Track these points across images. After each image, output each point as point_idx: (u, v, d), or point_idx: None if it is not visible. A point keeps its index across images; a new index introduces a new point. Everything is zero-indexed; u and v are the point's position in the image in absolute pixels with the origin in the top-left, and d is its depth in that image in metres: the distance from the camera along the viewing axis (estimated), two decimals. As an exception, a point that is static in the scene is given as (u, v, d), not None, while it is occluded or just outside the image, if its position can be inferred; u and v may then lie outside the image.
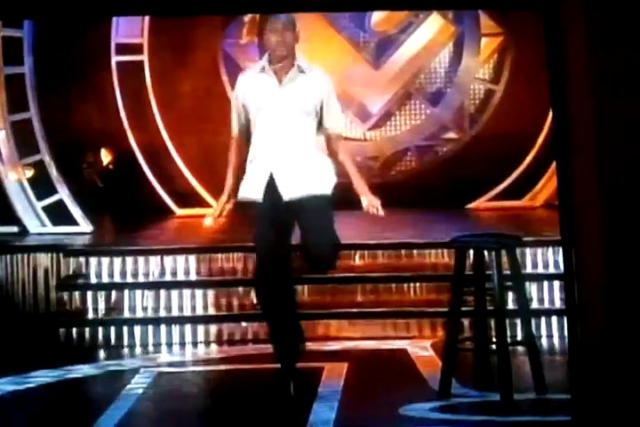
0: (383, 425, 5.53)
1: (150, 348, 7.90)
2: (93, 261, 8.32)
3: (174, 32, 11.55)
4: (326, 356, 7.05)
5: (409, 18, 12.27)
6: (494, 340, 5.96)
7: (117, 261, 8.32)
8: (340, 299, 8.11)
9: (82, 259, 8.33)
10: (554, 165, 5.18)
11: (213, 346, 7.92)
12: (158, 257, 8.34)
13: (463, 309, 6.09)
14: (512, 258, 5.99)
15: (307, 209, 5.69)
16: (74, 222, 9.90)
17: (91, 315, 8.11)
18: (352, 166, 5.84)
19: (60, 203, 9.90)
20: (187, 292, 8.15)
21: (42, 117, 10.01)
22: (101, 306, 8.14)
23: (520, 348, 6.35)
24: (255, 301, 6.46)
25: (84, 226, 9.90)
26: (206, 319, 8.05)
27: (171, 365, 7.31)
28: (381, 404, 5.77)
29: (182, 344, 7.95)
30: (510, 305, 6.57)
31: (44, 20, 9.81)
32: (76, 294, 8.17)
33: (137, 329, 7.99)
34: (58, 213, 9.83)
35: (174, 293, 8.15)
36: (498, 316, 5.91)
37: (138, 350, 7.88)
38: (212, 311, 8.12)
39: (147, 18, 11.34)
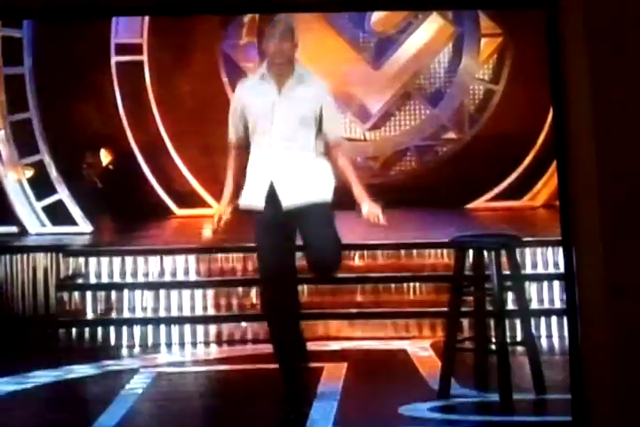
0: (383, 425, 5.53)
1: (150, 348, 7.90)
2: (93, 261, 8.31)
3: (174, 32, 11.52)
4: (326, 356, 7.05)
5: (408, 18, 12.24)
6: (494, 340, 5.96)
7: (117, 261, 8.32)
8: (340, 299, 8.10)
9: (81, 259, 8.32)
10: (554, 165, 5.18)
11: (213, 346, 7.92)
12: (158, 257, 8.34)
13: (463, 309, 6.09)
14: (512, 258, 5.99)
15: (309, 217, 5.68)
16: (73, 222, 9.88)
17: (90, 315, 8.11)
18: (352, 174, 5.82)
19: (60, 203, 9.87)
20: (186, 292, 8.14)
21: (41, 117, 10.00)
22: (101, 306, 8.14)
23: (520, 348, 6.34)
24: (261, 310, 6.44)
25: (84, 226, 9.89)
26: (206, 320, 8.04)
27: (170, 365, 7.31)
28: (381, 404, 5.77)
29: (182, 344, 7.94)
30: (510, 305, 6.56)
31: (44, 20, 9.80)
32: (76, 294, 8.16)
33: (136, 329, 7.98)
34: (57, 214, 9.80)
35: (174, 293, 8.15)
36: (497, 316, 5.91)
37: (137, 350, 7.87)
38: (211, 312, 8.11)
39: (146, 18, 11.32)
